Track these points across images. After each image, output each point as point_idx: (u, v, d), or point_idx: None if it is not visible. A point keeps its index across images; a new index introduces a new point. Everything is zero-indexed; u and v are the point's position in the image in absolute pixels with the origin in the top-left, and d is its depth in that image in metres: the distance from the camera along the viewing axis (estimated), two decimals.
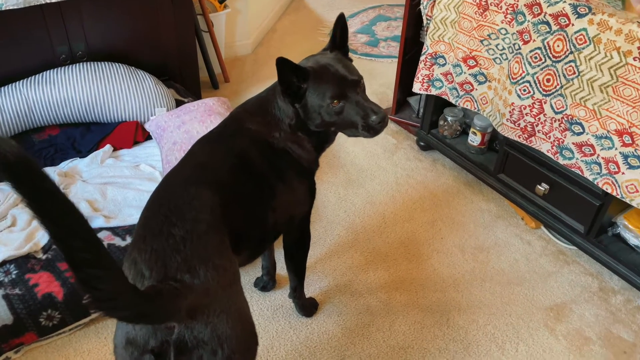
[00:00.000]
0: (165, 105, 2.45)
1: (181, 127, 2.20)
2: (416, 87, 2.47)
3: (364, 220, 2.27)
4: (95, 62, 2.42)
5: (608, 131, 1.76)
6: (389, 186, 2.47)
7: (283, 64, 1.31)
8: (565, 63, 1.81)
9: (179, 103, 2.54)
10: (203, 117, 2.23)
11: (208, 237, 1.15)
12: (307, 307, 1.86)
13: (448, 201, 2.39)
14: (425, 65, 2.40)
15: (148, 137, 2.41)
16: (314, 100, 1.37)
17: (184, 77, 2.82)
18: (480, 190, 2.44)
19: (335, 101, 1.36)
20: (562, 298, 1.94)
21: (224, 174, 1.34)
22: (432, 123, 2.59)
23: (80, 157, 2.28)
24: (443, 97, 2.41)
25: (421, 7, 2.34)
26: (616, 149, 1.75)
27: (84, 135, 2.35)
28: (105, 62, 2.44)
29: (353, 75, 1.39)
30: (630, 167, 1.74)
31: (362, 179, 2.51)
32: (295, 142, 1.45)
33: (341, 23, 1.48)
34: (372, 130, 1.38)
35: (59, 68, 2.36)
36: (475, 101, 2.28)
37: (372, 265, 2.06)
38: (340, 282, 1.98)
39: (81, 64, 2.40)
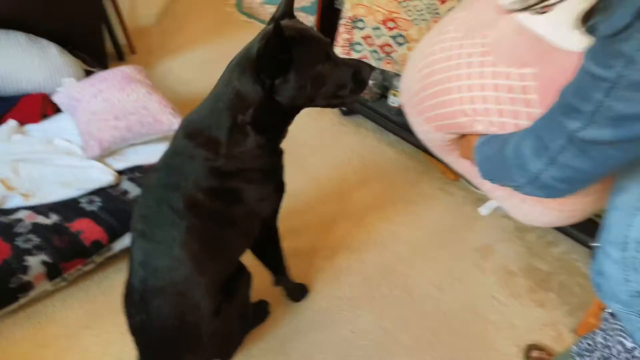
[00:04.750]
0: (73, 75, 2.25)
1: (98, 96, 2.05)
2: (337, 51, 2.51)
3: (299, 187, 2.29)
4: None
5: None
6: (318, 151, 2.51)
7: (277, 34, 1.10)
8: None
9: (87, 73, 2.35)
10: (122, 84, 2.09)
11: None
12: (297, 291, 1.80)
13: (375, 162, 2.48)
14: (345, 29, 2.44)
15: (58, 110, 2.21)
16: (302, 68, 1.19)
17: (88, 47, 2.61)
18: (402, 150, 2.56)
19: (326, 64, 1.23)
20: (486, 239, 2.12)
21: (183, 242, 1.26)
22: None
23: None
24: (364, 60, 2.48)
25: None
26: None
27: None
28: (0, 30, 2.18)
29: (326, 38, 1.29)
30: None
31: (291, 147, 2.50)
32: (244, 154, 1.27)
33: None
34: (362, 84, 1.29)
35: None
36: (396, 63, 2.38)
37: (313, 225, 2.09)
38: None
39: None
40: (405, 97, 1.21)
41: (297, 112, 1.31)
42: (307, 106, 1.30)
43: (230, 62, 1.27)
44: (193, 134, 1.27)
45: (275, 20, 1.23)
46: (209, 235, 1.29)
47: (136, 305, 1.30)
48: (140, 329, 1.32)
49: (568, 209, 1.04)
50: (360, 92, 1.31)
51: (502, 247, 2.10)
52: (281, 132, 1.35)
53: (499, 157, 0.86)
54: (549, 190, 0.79)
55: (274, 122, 1.29)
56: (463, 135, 1.10)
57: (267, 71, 1.18)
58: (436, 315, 1.80)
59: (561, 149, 0.71)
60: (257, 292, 1.78)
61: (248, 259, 1.49)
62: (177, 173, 1.26)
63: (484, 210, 1.47)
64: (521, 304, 1.87)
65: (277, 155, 1.39)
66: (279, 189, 1.44)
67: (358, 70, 1.28)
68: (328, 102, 1.31)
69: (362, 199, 2.26)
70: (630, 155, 0.68)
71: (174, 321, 1.28)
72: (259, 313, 1.73)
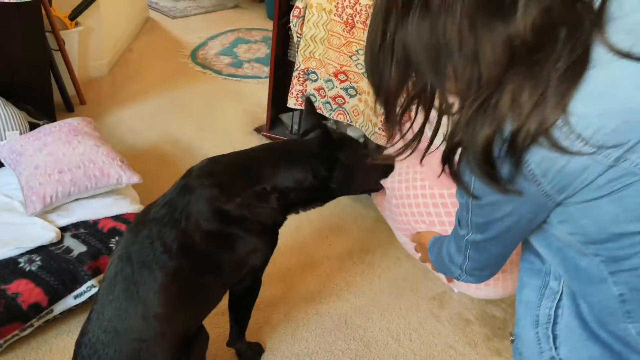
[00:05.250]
0: (17, 128, 2.18)
1: (43, 149, 1.98)
2: (291, 103, 2.54)
3: None
4: None
5: None
6: None
7: (328, 134, 1.42)
8: None
9: (33, 126, 2.28)
10: (69, 137, 2.03)
11: None
12: (250, 353, 1.73)
13: (330, 210, 2.47)
14: (298, 81, 2.48)
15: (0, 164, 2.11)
16: (352, 161, 1.45)
17: (35, 99, 2.54)
18: (358, 198, 2.58)
19: (368, 157, 1.53)
20: (442, 287, 2.12)
21: (160, 285, 1.24)
22: None
23: None
24: (317, 111, 2.51)
25: (291, 25, 2.43)
26: None
27: None
28: None
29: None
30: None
31: None
32: (256, 208, 1.36)
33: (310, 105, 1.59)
34: (390, 171, 1.62)
35: None
36: (348, 113, 2.42)
37: (268, 278, 2.02)
38: None
39: None
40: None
41: (335, 197, 1.54)
42: (349, 193, 1.64)
43: (273, 147, 1.58)
44: (213, 174, 1.35)
45: (322, 126, 1.48)
46: (192, 281, 1.29)
47: (90, 346, 1.22)
48: None
49: (494, 286, 1.43)
50: (386, 177, 1.64)
51: (458, 295, 2.10)
52: (304, 209, 1.52)
53: (440, 257, 1.13)
54: (475, 277, 1.04)
55: (309, 201, 1.49)
56: (421, 246, 1.47)
57: (325, 164, 1.40)
58: None
59: (466, 248, 0.97)
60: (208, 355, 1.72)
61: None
62: (180, 210, 1.28)
63: (455, 289, 1.86)
64: (478, 353, 1.86)
65: (284, 217, 1.48)
66: (272, 242, 1.48)
67: (390, 166, 1.60)
68: (367, 188, 1.66)
69: (318, 248, 2.24)
70: (503, 246, 0.92)
71: None
72: None
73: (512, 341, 1.04)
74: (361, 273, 2.14)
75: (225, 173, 1.36)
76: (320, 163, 1.40)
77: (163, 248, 1.24)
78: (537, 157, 0.69)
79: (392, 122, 0.83)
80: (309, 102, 1.57)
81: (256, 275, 1.54)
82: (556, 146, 0.67)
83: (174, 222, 1.27)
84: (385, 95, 0.81)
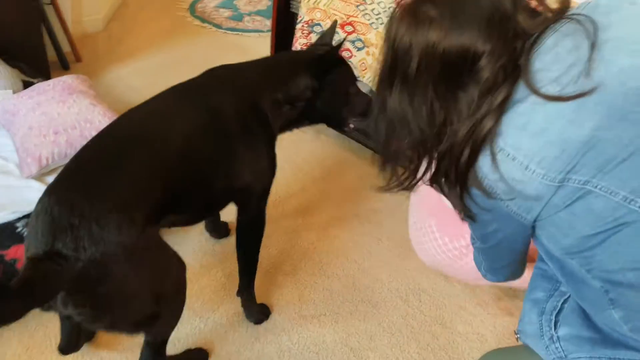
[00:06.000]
0: (10, 87, 2.09)
1: (37, 109, 1.90)
2: None
3: None
4: None
5: None
6: (277, 161, 2.41)
7: (339, 48, 1.57)
8: None
9: (27, 85, 2.19)
10: (63, 96, 1.95)
11: (109, 219, 1.09)
12: (257, 312, 1.70)
13: (337, 169, 2.41)
14: (302, 33, 2.36)
15: None
16: (339, 84, 1.59)
17: (28, 56, 2.44)
18: (364, 156, 2.50)
19: (354, 87, 1.64)
20: None
21: (180, 128, 1.31)
22: None
23: None
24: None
25: None
26: None
27: None
28: None
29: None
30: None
31: None
32: (275, 112, 1.49)
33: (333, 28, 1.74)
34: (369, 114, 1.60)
35: None
36: (355, 68, 2.31)
37: (273, 239, 2.00)
38: None
39: None
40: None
41: (318, 119, 1.66)
42: (324, 119, 1.66)
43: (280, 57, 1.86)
44: (241, 70, 1.55)
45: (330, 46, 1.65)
46: (208, 152, 1.33)
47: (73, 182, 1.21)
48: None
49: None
50: (365, 119, 1.65)
51: None
52: (297, 126, 1.67)
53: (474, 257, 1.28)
54: (494, 276, 1.18)
55: (302, 116, 1.60)
56: None
57: (321, 71, 1.52)
58: (404, 330, 1.74)
59: (477, 252, 1.16)
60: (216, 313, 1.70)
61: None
62: (215, 87, 1.45)
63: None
64: (489, 313, 1.83)
65: (274, 140, 1.57)
66: (274, 164, 1.55)
67: (370, 101, 1.59)
68: (341, 119, 1.66)
69: (324, 208, 2.18)
70: (503, 253, 1.09)
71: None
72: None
73: (518, 339, 1.15)
74: (368, 233, 2.09)
75: (252, 74, 1.53)
76: (313, 75, 1.52)
77: (198, 105, 1.34)
78: (502, 186, 0.87)
79: (386, 164, 1.04)
80: (335, 22, 1.75)
81: (259, 204, 1.56)
82: (481, 188, 0.87)
83: (208, 91, 1.41)
84: (379, 143, 1.02)
